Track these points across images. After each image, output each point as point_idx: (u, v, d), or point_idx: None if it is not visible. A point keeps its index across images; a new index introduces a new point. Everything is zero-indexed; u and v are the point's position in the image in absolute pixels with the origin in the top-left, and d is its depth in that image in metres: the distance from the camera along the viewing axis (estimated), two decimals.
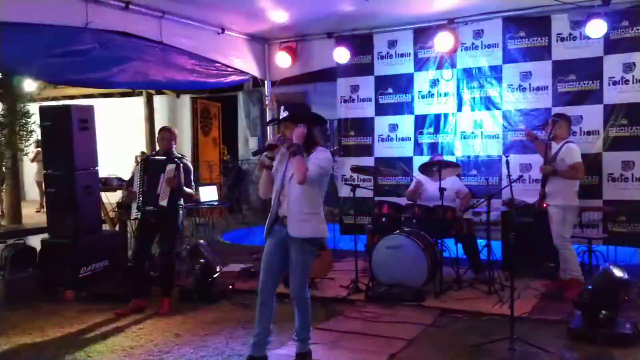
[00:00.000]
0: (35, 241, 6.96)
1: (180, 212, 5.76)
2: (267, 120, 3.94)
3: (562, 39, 6.44)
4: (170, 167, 5.53)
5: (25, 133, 10.64)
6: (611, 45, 6.20)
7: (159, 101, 14.07)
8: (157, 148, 5.91)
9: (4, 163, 10.53)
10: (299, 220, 3.82)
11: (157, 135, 5.89)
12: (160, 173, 5.52)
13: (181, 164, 5.61)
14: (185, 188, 5.63)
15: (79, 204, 6.28)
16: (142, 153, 11.52)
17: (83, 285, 6.17)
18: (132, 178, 5.78)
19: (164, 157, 5.63)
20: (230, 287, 6.06)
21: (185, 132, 13.54)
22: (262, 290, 3.97)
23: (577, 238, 5.95)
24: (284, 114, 3.89)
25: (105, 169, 7.43)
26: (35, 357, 4.45)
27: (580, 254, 5.89)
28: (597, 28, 6.07)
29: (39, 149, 11.40)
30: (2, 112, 10.46)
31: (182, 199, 5.71)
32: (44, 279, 6.22)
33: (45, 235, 6.60)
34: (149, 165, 5.65)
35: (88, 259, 6.31)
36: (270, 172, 3.97)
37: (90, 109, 6.59)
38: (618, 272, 4.61)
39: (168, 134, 5.74)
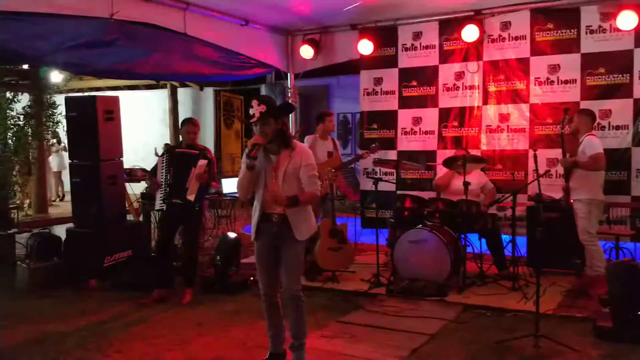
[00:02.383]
0: (60, 230, 7.07)
1: (202, 203, 5.77)
2: (245, 118, 3.54)
3: (592, 32, 6.30)
4: (203, 162, 5.53)
5: (51, 124, 10.78)
6: None
7: (182, 93, 14.17)
8: (180, 140, 5.91)
9: (30, 153, 10.68)
10: (300, 222, 3.72)
11: (182, 127, 5.87)
12: (192, 167, 5.51)
13: (213, 160, 5.62)
14: (212, 183, 5.66)
15: (103, 194, 6.34)
16: (166, 145, 11.59)
17: (107, 274, 6.23)
18: (154, 168, 5.79)
19: (197, 152, 5.60)
20: (252, 278, 6.07)
21: (208, 124, 13.61)
22: (267, 293, 3.88)
23: (605, 234, 5.83)
24: (260, 108, 3.59)
25: (129, 160, 7.50)
26: (59, 344, 4.51)
27: (608, 251, 5.77)
28: (627, 20, 5.94)
29: (54, 139, 11.62)
30: (29, 103, 10.60)
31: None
32: (68, 268, 6.30)
33: (71, 225, 6.68)
34: (176, 158, 5.62)
35: (112, 249, 6.38)
36: (253, 173, 3.71)
37: (115, 100, 6.64)
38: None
39: (193, 128, 5.73)
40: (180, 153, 5.65)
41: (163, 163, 5.64)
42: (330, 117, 7.02)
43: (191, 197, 5.50)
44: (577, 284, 5.69)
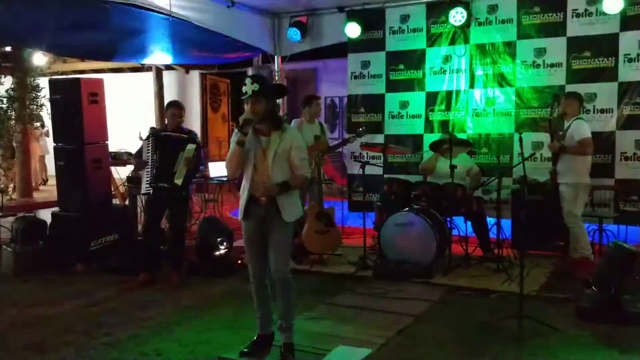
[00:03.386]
0: (45, 214, 7.02)
1: (189, 187, 5.75)
2: (237, 95, 3.61)
3: (578, 15, 6.33)
4: (191, 147, 5.48)
5: (35, 107, 10.65)
6: (627, 21, 6.11)
7: (168, 77, 14.01)
8: (165, 123, 5.85)
9: (14, 137, 10.55)
10: (289, 204, 3.73)
11: (166, 110, 5.80)
12: (180, 151, 5.46)
13: (199, 146, 5.59)
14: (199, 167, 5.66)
15: (88, 177, 6.29)
16: (152, 129, 11.51)
17: (93, 258, 6.21)
18: (139, 151, 5.73)
19: (185, 136, 5.56)
20: (239, 262, 6.09)
21: (195, 108, 13.50)
22: (255, 275, 3.89)
23: (588, 217, 5.90)
24: (252, 87, 3.57)
25: (114, 144, 7.44)
26: (46, 328, 4.50)
27: (591, 233, 5.84)
28: (613, 4, 6.00)
29: (38, 123, 11.53)
30: (12, 86, 10.46)
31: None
32: (54, 251, 6.27)
33: (56, 209, 6.63)
34: (163, 141, 5.56)
35: (98, 233, 6.34)
36: (244, 149, 3.66)
37: (100, 83, 6.55)
38: (627, 245, 4.60)
39: (178, 111, 5.67)
40: (167, 136, 5.58)
41: (149, 146, 5.58)
42: (317, 101, 7.00)
43: (179, 182, 5.46)
44: (561, 265, 5.77)
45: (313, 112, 6.89)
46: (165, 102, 12.75)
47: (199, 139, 5.75)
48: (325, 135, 7.04)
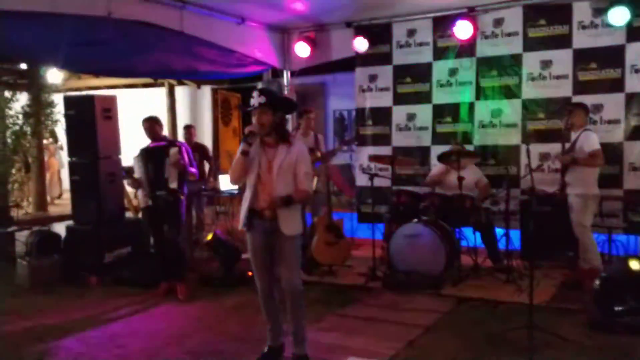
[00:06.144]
0: (60, 228, 7.13)
1: (182, 198, 5.83)
2: (244, 106, 3.74)
3: (584, 27, 6.36)
4: (174, 150, 5.69)
5: (50, 123, 10.82)
6: (634, 32, 6.12)
7: (180, 92, 14.17)
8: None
9: (29, 152, 10.72)
10: (289, 216, 3.78)
11: (147, 122, 5.92)
12: (165, 157, 5.65)
13: (183, 147, 5.78)
14: (190, 168, 5.79)
15: (102, 191, 6.41)
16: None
17: (107, 270, 6.29)
18: (130, 169, 5.89)
19: (164, 142, 5.79)
20: (250, 273, 6.12)
21: (206, 122, 13.65)
22: (263, 288, 3.93)
23: (597, 227, 5.90)
24: (259, 99, 3.68)
25: (127, 159, 7.55)
26: (60, 339, 4.57)
27: (600, 243, 5.84)
28: (619, 15, 6.00)
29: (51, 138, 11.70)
30: (27, 103, 10.64)
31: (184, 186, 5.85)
32: (68, 264, 6.37)
33: (70, 222, 6.74)
34: (150, 154, 5.73)
35: (111, 245, 6.44)
36: (248, 158, 3.74)
37: (113, 99, 6.70)
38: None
39: (158, 122, 5.96)
40: (151, 148, 5.77)
41: (140, 162, 5.72)
42: (309, 114, 6.99)
43: (174, 185, 5.64)
44: (571, 276, 5.76)
45: (306, 125, 6.94)
46: (178, 117, 13.04)
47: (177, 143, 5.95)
48: (319, 148, 7.02)
